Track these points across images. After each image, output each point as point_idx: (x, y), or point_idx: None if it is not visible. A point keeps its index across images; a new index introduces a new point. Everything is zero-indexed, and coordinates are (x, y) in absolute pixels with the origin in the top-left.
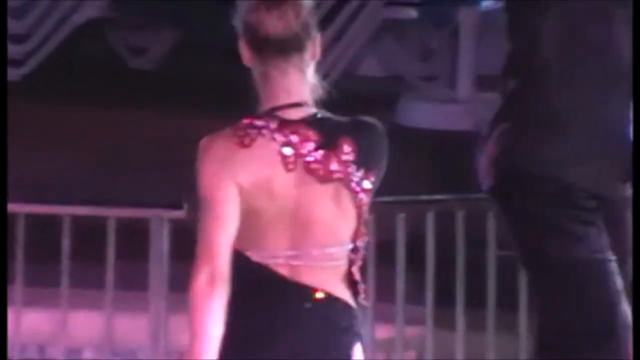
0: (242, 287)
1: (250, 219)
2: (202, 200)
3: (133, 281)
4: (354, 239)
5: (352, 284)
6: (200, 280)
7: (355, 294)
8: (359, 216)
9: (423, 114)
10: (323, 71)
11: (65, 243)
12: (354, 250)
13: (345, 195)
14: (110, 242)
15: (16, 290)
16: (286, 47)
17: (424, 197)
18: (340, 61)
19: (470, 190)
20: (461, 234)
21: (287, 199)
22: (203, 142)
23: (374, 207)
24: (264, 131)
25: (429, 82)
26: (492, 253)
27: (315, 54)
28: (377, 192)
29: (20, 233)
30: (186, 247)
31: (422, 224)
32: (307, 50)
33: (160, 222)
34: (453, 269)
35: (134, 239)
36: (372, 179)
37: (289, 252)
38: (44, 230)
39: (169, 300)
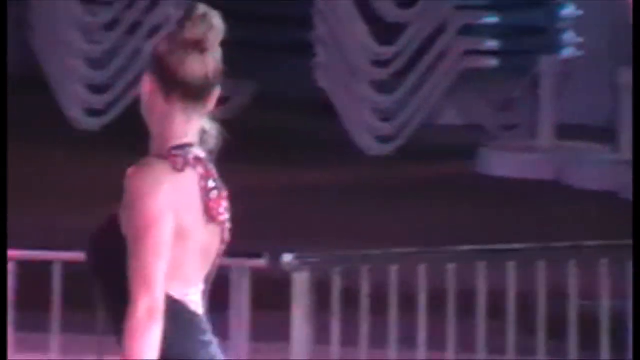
0: (177, 336)
1: (174, 249)
2: (140, 228)
3: (214, 331)
4: (205, 282)
5: None
6: (140, 311)
7: None
8: (214, 264)
9: (504, 163)
10: (403, 119)
11: None
12: (205, 291)
13: (217, 240)
14: None
15: (53, 338)
16: (196, 94)
17: (504, 247)
18: (421, 111)
19: (551, 240)
20: (542, 284)
21: (198, 231)
22: (135, 170)
23: (455, 256)
24: (190, 161)
25: (510, 131)
26: (573, 303)
27: (213, 104)
28: (458, 240)
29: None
30: (267, 296)
31: (502, 274)
32: (211, 99)
33: (241, 271)
34: (534, 319)
35: (215, 288)
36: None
37: (196, 287)
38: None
39: (249, 349)
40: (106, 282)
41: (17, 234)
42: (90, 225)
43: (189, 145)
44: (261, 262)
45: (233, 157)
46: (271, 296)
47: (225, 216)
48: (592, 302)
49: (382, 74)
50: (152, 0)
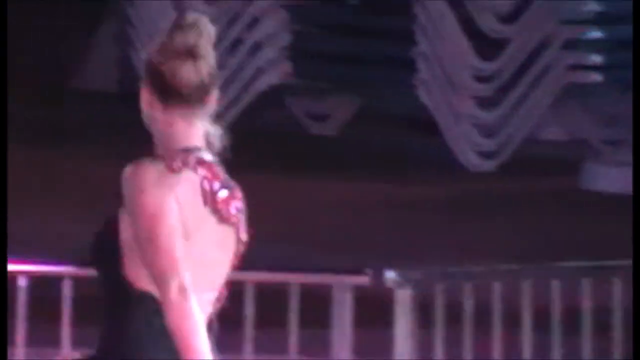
0: (147, 335)
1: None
2: (150, 218)
3: (316, 348)
4: (222, 287)
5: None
6: (173, 291)
7: None
8: (232, 265)
9: (608, 178)
10: (506, 135)
11: (249, 310)
12: (219, 299)
13: (232, 242)
14: (293, 308)
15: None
16: (194, 99)
17: (609, 263)
18: (524, 126)
19: None
20: None
21: (198, 235)
22: (131, 169)
23: (559, 272)
24: (190, 164)
25: (614, 146)
26: None
27: (213, 107)
28: (562, 256)
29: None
30: (370, 313)
31: (607, 290)
32: (210, 102)
33: (344, 288)
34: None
35: (317, 305)
36: (246, 233)
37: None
38: (228, 297)
39: None
40: (105, 279)
41: None
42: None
43: (194, 148)
44: (364, 279)
45: (336, 173)
46: (374, 313)
47: (237, 217)
48: None
49: (485, 89)
50: (253, 19)
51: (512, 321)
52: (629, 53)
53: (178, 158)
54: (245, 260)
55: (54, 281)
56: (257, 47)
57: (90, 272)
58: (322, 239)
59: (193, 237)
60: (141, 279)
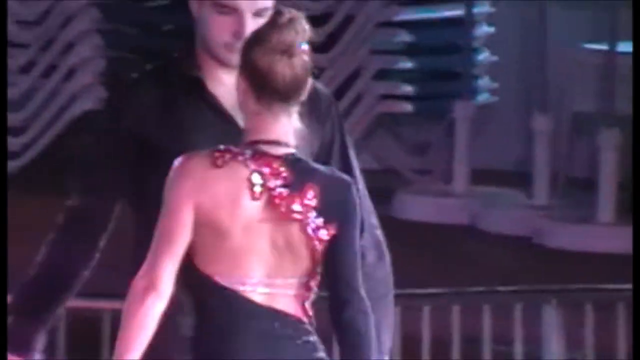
0: (210, 312)
1: (216, 241)
2: (164, 214)
3: None
4: (305, 275)
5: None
6: (139, 284)
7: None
8: (313, 259)
9: (418, 207)
10: None
11: None
12: (306, 285)
13: (300, 239)
14: None
15: None
16: (287, 97)
17: (419, 291)
18: None
19: (465, 284)
20: (457, 329)
21: (250, 226)
22: (177, 161)
23: None
24: (239, 157)
25: (424, 175)
26: (487, 348)
27: (302, 100)
28: None
29: None
30: None
31: (417, 319)
32: (302, 96)
33: None
34: None
35: None
36: (331, 231)
37: (257, 280)
38: None
39: None
40: None
41: None
42: None
43: (269, 142)
44: None
45: None
46: None
47: (301, 215)
48: (506, 347)
49: None
50: (68, 44)
51: None
52: (439, 83)
53: (230, 152)
54: None
55: None
56: (70, 73)
57: None
58: None
59: (234, 231)
60: (210, 269)
